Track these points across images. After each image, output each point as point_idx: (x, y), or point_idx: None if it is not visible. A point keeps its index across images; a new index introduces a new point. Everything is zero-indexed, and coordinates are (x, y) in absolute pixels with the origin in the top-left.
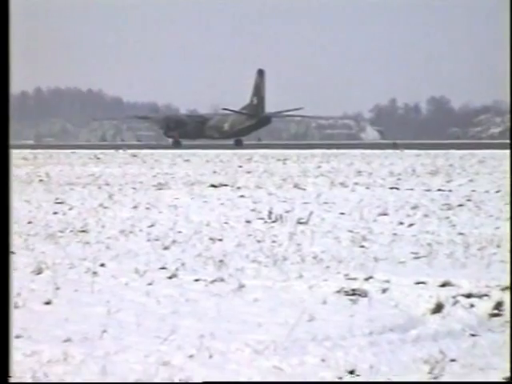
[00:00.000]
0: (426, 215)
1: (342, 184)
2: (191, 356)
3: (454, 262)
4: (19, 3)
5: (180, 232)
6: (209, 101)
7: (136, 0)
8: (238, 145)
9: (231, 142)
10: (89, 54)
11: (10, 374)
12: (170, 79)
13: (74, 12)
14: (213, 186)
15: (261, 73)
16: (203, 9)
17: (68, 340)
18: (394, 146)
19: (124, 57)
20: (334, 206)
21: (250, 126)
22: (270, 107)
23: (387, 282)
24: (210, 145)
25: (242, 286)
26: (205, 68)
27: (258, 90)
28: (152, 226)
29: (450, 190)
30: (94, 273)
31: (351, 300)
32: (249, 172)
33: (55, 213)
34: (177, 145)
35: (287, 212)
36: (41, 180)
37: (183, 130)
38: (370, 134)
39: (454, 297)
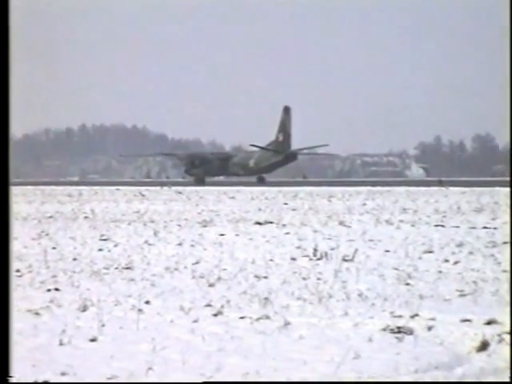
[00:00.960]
0: (471, 253)
1: (388, 221)
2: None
3: (499, 300)
4: (66, 40)
5: (225, 269)
6: (249, 138)
7: (180, 37)
8: (261, 181)
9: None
10: (134, 90)
11: (10, 374)
12: (215, 116)
13: (117, 48)
14: (258, 223)
15: (287, 110)
16: (246, 45)
17: (113, 377)
18: (440, 184)
19: (169, 93)
20: (380, 243)
21: (276, 162)
22: (308, 144)
23: (433, 319)
24: (233, 182)
25: (287, 324)
26: (242, 105)
27: (284, 127)
28: (197, 263)
29: (495, 228)
30: (140, 310)
31: (397, 338)
32: (294, 209)
33: (100, 249)
34: (200, 182)
35: (332, 249)
36: (86, 217)
37: (207, 167)
38: (415, 171)
39: (499, 335)
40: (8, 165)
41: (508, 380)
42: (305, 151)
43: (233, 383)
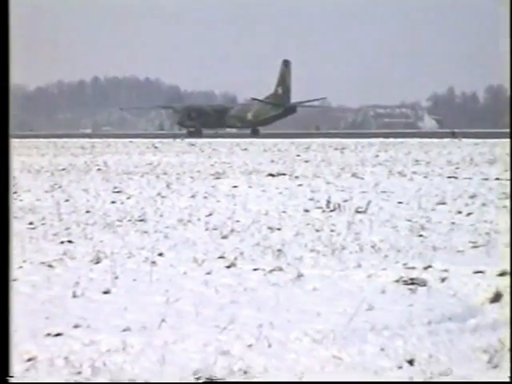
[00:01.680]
0: (484, 204)
1: (400, 173)
2: (250, 345)
3: None
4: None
5: (238, 221)
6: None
7: None
8: (255, 134)
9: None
10: (146, 42)
11: (10, 374)
12: (226, 67)
13: (129, 1)
14: (271, 174)
15: (286, 63)
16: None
17: (127, 329)
18: (453, 135)
19: (181, 45)
20: (392, 195)
21: (276, 115)
22: (334, 98)
23: (446, 271)
24: (228, 134)
25: (300, 276)
26: (256, 57)
27: (283, 80)
28: (210, 215)
29: (508, 179)
30: (153, 262)
31: (410, 289)
32: (307, 161)
33: (113, 202)
34: (198, 134)
35: (345, 201)
36: (99, 169)
37: (204, 120)
38: (428, 122)
39: None
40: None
41: (508, 380)
42: (305, 104)
43: (233, 383)
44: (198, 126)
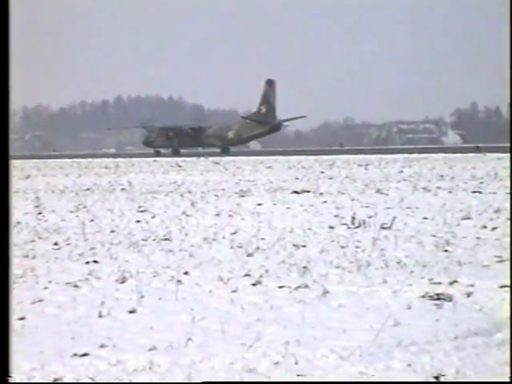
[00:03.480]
0: (508, 218)
1: (425, 188)
2: (277, 363)
3: None
4: (102, 8)
5: (263, 239)
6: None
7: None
8: (225, 152)
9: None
10: (170, 61)
11: (10, 374)
12: (250, 86)
13: (153, 18)
14: (295, 192)
15: (271, 83)
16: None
17: (153, 348)
18: (477, 150)
19: (205, 64)
20: (417, 210)
21: (261, 133)
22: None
23: (471, 285)
24: (197, 153)
25: (326, 292)
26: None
27: (267, 100)
28: (235, 233)
29: None
30: (178, 281)
31: (436, 304)
32: (331, 178)
33: (138, 221)
34: (175, 153)
35: (370, 217)
36: (123, 189)
37: (182, 139)
38: (452, 137)
39: None
40: (8, 159)
41: (508, 380)
42: (287, 122)
43: (233, 383)
44: (176, 145)
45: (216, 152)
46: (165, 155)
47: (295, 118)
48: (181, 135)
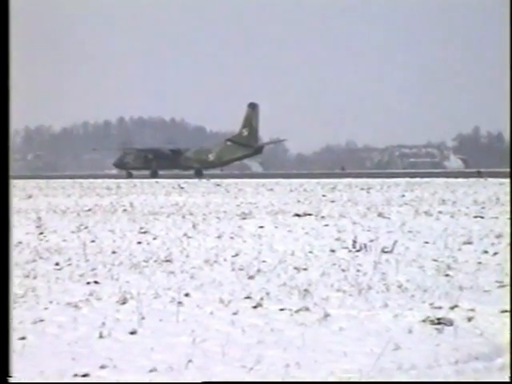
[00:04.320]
0: (509, 244)
1: (426, 213)
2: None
3: None
4: (103, 31)
5: (264, 261)
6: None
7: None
8: (198, 174)
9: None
10: (171, 83)
11: (10, 374)
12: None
13: (155, 40)
14: (297, 215)
15: (253, 106)
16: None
17: (154, 370)
18: (478, 175)
19: (206, 86)
20: (419, 234)
21: (244, 155)
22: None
23: (472, 310)
24: (174, 174)
25: (327, 316)
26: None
27: (250, 123)
28: (236, 255)
29: None
30: (179, 302)
31: (437, 329)
32: (333, 201)
33: (139, 242)
34: (154, 175)
35: (371, 241)
36: (125, 210)
37: (161, 162)
38: (454, 162)
39: None
40: (8, 166)
41: (508, 380)
42: (269, 143)
43: (233, 383)
44: (154, 167)
45: (188, 174)
46: (136, 177)
47: (276, 142)
48: (159, 157)
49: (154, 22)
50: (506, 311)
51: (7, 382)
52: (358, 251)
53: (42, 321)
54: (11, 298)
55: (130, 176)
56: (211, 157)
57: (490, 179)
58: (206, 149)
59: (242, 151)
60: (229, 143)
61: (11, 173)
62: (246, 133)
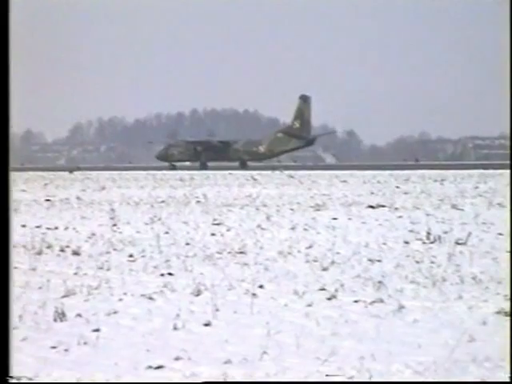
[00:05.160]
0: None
1: (500, 204)
2: (351, 377)
3: None
4: (179, 24)
5: (338, 253)
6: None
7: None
8: (243, 166)
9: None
10: (245, 73)
11: (10, 374)
12: (324, 98)
13: (229, 32)
14: (370, 206)
15: (305, 98)
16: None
17: (228, 362)
18: None
19: (279, 77)
20: (493, 226)
21: (296, 147)
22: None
23: None
24: (219, 166)
25: (401, 307)
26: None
27: (302, 115)
28: (310, 247)
29: None
30: (253, 294)
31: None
32: (406, 193)
33: (213, 234)
34: (203, 167)
35: (445, 233)
36: (198, 201)
37: (210, 154)
38: None
39: None
40: (8, 161)
41: (508, 380)
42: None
43: (233, 383)
44: (204, 159)
45: (234, 166)
46: (180, 169)
47: (327, 134)
48: (209, 149)
49: (226, 15)
50: None
51: (7, 382)
52: (431, 243)
53: (115, 312)
54: (11, 299)
55: (174, 168)
56: (262, 148)
57: None
58: (256, 141)
59: (295, 143)
60: (280, 135)
61: (87, 164)
62: (297, 125)
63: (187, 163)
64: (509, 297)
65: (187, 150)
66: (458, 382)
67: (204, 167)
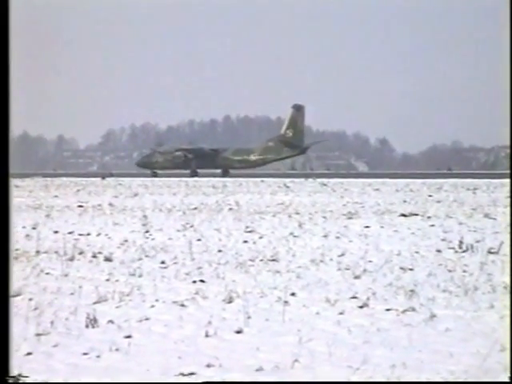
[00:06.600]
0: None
1: None
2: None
3: None
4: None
5: (370, 261)
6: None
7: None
8: (225, 174)
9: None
10: (276, 82)
11: (10, 374)
12: (358, 106)
13: (261, 40)
14: (403, 215)
15: (298, 108)
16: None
17: (260, 369)
18: None
19: (313, 84)
20: None
21: (288, 156)
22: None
23: None
24: (204, 173)
25: (433, 316)
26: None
27: (295, 124)
28: (342, 255)
29: None
30: (285, 302)
31: None
32: (439, 201)
33: (245, 241)
34: (194, 174)
35: (478, 241)
36: (230, 208)
37: (200, 161)
38: None
39: None
40: (8, 163)
41: (508, 380)
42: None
43: (233, 383)
44: (194, 166)
45: (218, 173)
46: (161, 176)
47: (319, 142)
48: (199, 157)
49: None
50: None
51: (7, 382)
52: (464, 252)
53: (147, 319)
54: (11, 299)
55: (155, 175)
56: (253, 157)
57: None
58: (246, 149)
59: (287, 152)
60: (270, 144)
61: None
62: (290, 134)
63: (174, 171)
64: None
65: (175, 157)
66: (458, 382)
67: (194, 174)
